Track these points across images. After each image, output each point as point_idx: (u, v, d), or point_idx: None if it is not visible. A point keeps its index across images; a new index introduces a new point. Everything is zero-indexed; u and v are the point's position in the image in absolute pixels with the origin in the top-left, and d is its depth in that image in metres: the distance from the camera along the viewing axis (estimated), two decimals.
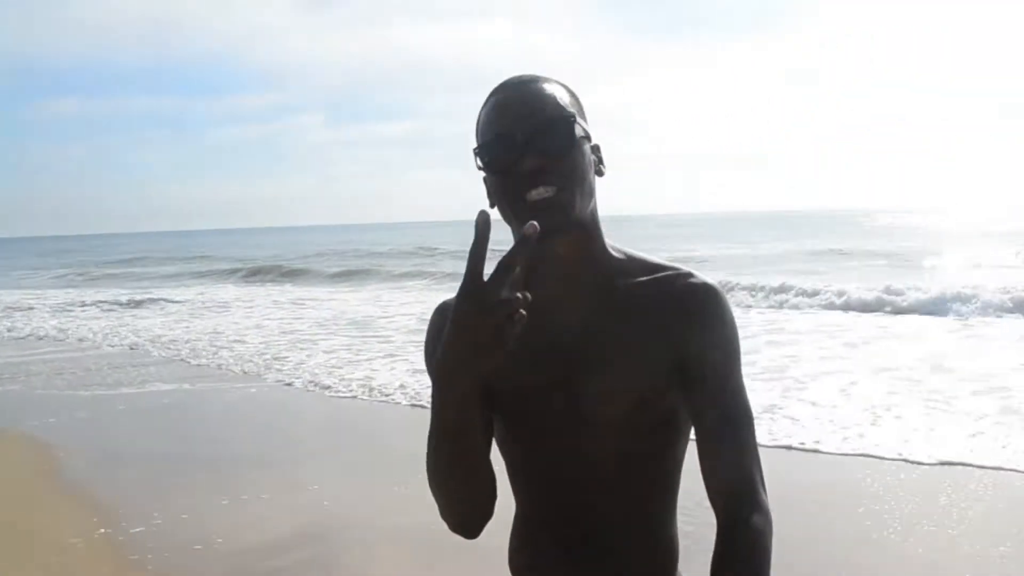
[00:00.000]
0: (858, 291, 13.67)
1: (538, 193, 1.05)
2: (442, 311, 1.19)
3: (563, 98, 1.11)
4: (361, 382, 8.37)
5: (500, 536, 1.25)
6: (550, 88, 1.11)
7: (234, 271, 29.04)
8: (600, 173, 1.14)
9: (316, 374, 8.95)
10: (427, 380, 1.06)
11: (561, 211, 1.06)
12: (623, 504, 1.15)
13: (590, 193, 1.12)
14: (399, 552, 4.05)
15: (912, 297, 13.01)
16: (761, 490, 1.06)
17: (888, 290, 13.46)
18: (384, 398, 7.70)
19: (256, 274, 27.55)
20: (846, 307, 13.24)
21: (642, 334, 1.11)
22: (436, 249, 33.79)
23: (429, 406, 1.03)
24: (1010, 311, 11.78)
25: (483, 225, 0.90)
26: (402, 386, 7.95)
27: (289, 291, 21.54)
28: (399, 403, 7.46)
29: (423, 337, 1.21)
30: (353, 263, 29.44)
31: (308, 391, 8.29)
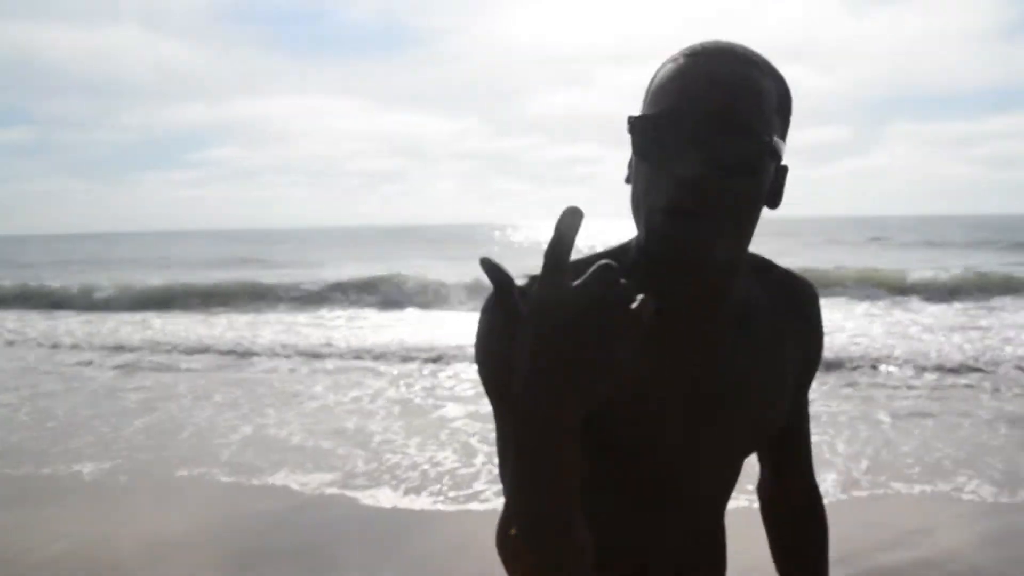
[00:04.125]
0: None
1: (675, 215, 0.82)
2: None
3: (768, 101, 0.85)
4: None
5: None
6: (760, 80, 0.85)
7: None
8: (773, 205, 0.91)
9: None
10: None
11: (696, 246, 0.83)
12: (711, 535, 1.08)
13: (746, 233, 0.89)
14: None
15: None
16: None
17: None
18: None
19: None
20: None
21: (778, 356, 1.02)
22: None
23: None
24: None
25: (570, 217, 0.64)
26: None
27: None
28: None
29: None
30: None
31: None
